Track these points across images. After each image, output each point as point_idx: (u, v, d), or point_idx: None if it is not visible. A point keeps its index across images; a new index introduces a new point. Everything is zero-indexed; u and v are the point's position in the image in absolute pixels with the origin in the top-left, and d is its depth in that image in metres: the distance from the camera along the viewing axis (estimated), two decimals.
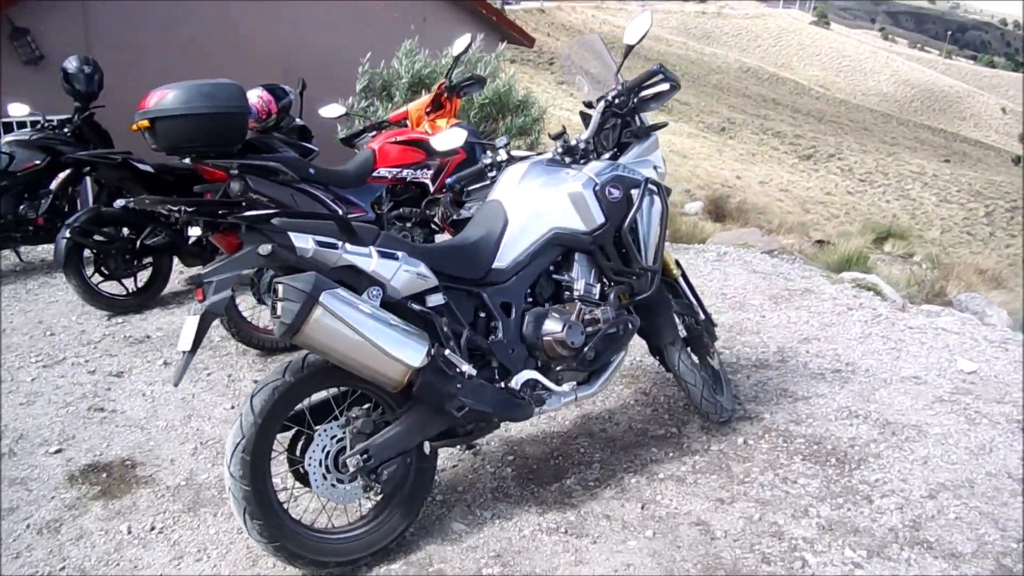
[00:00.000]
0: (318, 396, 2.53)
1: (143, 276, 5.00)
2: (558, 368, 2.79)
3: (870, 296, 5.20)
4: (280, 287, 2.25)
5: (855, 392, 3.66)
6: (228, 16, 8.42)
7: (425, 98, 4.73)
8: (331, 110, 4.87)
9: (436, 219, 4.36)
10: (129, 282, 4.95)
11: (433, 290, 2.56)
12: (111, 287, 4.89)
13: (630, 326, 2.91)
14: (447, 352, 2.47)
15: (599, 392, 2.97)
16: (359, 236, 2.43)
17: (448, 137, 3.28)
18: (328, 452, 2.45)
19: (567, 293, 2.88)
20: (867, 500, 2.84)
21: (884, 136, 51.57)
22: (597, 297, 2.89)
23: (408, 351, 2.35)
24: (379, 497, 2.59)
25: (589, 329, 2.80)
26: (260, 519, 2.33)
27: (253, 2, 8.58)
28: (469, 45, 4.76)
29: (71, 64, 5.43)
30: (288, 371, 2.42)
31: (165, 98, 3.73)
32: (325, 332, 2.26)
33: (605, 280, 2.96)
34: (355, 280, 2.41)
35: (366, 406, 2.58)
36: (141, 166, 4.81)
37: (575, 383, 2.84)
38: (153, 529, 2.75)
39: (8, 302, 5.05)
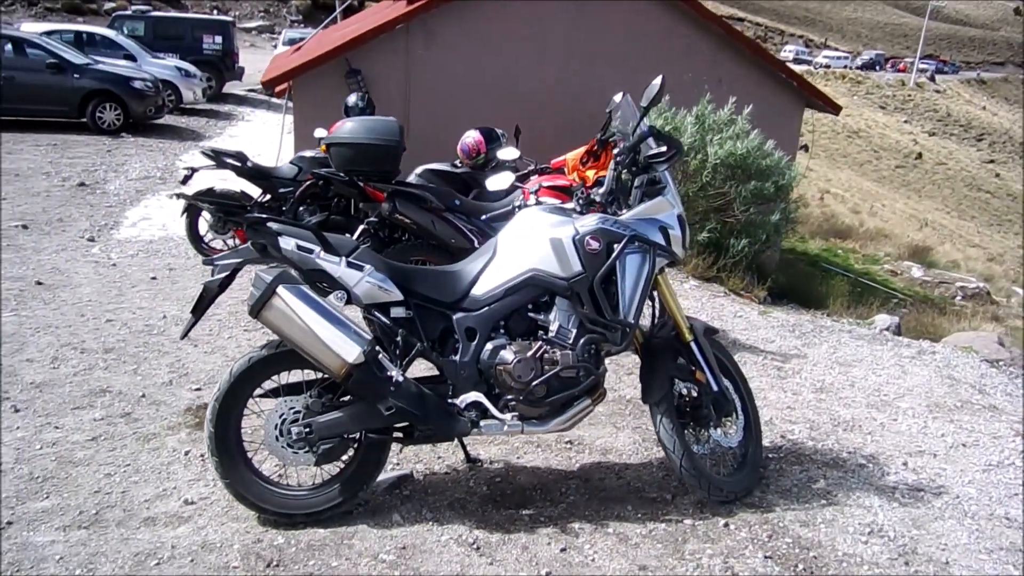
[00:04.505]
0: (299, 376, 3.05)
1: None
2: (508, 398, 2.99)
3: None
4: (254, 276, 2.83)
5: (910, 515, 3.22)
6: (531, 70, 9.36)
7: (581, 149, 5.02)
8: (507, 153, 5.39)
9: None
10: None
11: (398, 303, 2.95)
12: None
13: (590, 374, 2.99)
14: (380, 356, 2.85)
15: (553, 431, 3.08)
16: (333, 247, 2.92)
17: (498, 180, 3.63)
18: (284, 419, 2.95)
19: (541, 332, 3.06)
20: None
21: None
22: (571, 342, 3.02)
23: (345, 347, 2.77)
24: (333, 473, 3.04)
25: (546, 368, 2.96)
26: (218, 456, 2.92)
27: (559, 61, 9.44)
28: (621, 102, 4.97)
29: (350, 99, 6.66)
30: (266, 347, 2.99)
31: (340, 129, 4.57)
32: (278, 318, 2.79)
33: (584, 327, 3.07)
34: (329, 282, 2.90)
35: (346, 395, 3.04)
36: (370, 188, 5.77)
37: (519, 415, 2.99)
38: (201, 456, 3.49)
39: None
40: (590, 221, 3.05)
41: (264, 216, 2.95)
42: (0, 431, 3.59)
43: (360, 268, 2.90)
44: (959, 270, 15.75)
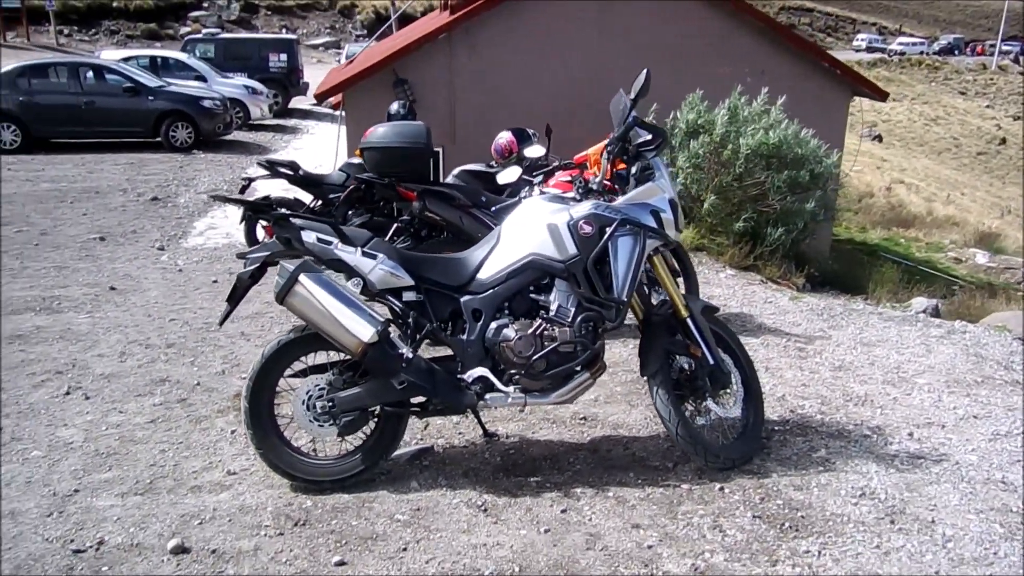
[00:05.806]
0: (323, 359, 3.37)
1: None
2: (512, 372, 3.24)
3: None
4: (279, 266, 3.17)
5: (906, 480, 3.34)
6: (570, 71, 9.57)
7: (601, 144, 5.24)
8: (533, 151, 5.63)
9: None
10: None
11: (409, 288, 3.24)
12: None
13: (587, 348, 3.22)
14: (392, 335, 3.14)
15: (555, 403, 3.31)
16: (350, 238, 3.23)
17: (507, 173, 3.90)
18: (311, 395, 3.27)
19: (542, 312, 3.31)
20: (770, 563, 2.77)
21: None
22: (569, 320, 3.26)
23: (361, 328, 3.08)
24: (356, 444, 3.35)
25: (546, 343, 3.21)
26: (252, 429, 3.27)
27: (597, 62, 9.63)
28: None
29: (393, 107, 7.01)
30: (293, 331, 3.32)
31: (372, 134, 4.90)
32: (301, 303, 3.11)
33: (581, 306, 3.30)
34: (347, 271, 3.22)
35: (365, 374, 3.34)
36: (402, 188, 6.10)
37: (522, 388, 3.25)
38: (245, 435, 3.84)
39: None
40: (584, 207, 3.28)
41: (288, 212, 3.28)
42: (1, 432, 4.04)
43: (374, 257, 3.20)
44: None
